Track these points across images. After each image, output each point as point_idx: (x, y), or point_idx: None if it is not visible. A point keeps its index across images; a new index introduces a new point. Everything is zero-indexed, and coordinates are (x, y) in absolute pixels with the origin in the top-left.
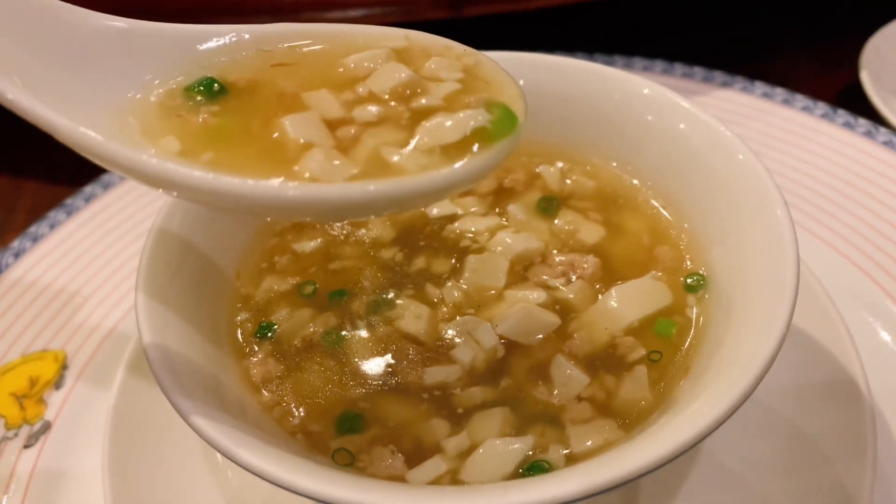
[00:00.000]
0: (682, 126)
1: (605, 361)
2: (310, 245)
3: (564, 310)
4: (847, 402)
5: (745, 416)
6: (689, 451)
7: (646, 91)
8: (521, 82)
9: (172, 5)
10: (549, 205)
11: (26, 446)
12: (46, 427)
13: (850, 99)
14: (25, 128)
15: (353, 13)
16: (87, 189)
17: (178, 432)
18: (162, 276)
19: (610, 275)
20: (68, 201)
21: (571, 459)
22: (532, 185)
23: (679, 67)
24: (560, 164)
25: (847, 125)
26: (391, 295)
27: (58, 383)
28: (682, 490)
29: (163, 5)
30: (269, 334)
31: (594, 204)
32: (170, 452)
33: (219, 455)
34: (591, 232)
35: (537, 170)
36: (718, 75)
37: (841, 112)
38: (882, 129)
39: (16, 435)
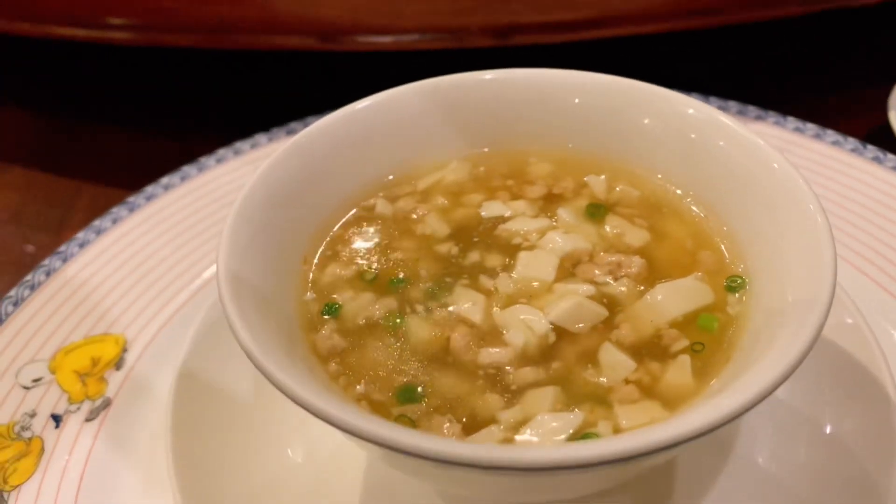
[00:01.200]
0: (721, 143)
1: (650, 350)
2: (371, 237)
3: (611, 303)
4: (877, 407)
5: (779, 419)
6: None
7: (690, 111)
8: (576, 101)
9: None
10: (597, 210)
11: (88, 420)
12: (107, 403)
13: (880, 139)
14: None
15: (404, 38)
16: (149, 189)
17: (240, 408)
18: (240, 248)
19: (655, 275)
20: (130, 199)
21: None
22: (580, 193)
23: (714, 101)
24: (603, 177)
25: (876, 159)
26: (448, 283)
27: (118, 364)
28: (715, 487)
29: (204, 19)
30: (335, 313)
31: (639, 211)
32: (231, 425)
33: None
34: (636, 236)
35: (585, 179)
36: (752, 109)
37: (871, 147)
38: None
39: (78, 409)
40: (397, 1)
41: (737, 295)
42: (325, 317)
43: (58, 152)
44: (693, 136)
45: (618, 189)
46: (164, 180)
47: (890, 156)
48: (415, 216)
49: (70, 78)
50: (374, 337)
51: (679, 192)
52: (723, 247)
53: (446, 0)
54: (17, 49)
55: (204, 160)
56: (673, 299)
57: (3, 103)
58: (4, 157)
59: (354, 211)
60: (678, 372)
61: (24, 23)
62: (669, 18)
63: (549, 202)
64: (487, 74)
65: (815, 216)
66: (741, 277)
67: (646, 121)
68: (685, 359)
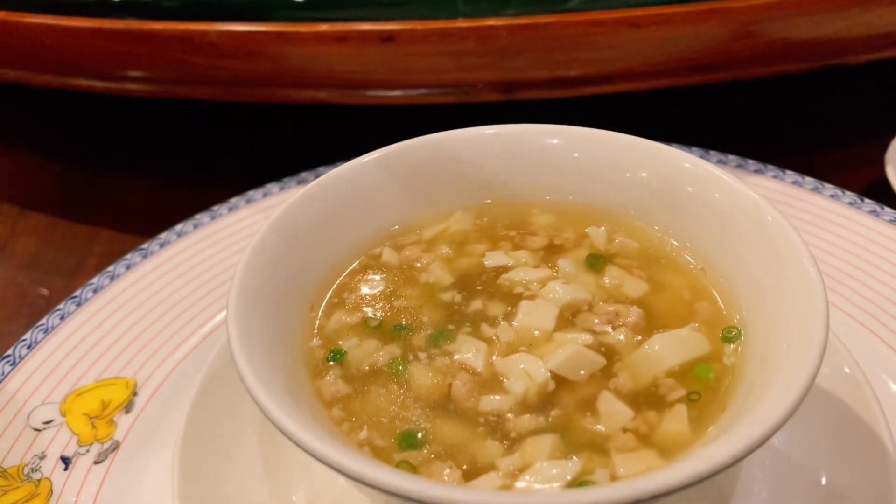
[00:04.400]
0: (717, 196)
1: (647, 399)
2: (376, 285)
3: (609, 352)
4: (872, 457)
5: (776, 468)
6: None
7: (686, 165)
8: (576, 154)
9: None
10: (597, 261)
11: (96, 462)
12: (115, 446)
13: (877, 193)
14: (96, 177)
15: (413, 93)
16: (162, 236)
17: (247, 452)
18: (249, 294)
19: (652, 325)
20: (144, 245)
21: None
22: (580, 244)
23: (714, 154)
24: (603, 228)
25: (874, 213)
26: (450, 330)
27: (127, 408)
28: None
29: (220, 73)
30: (340, 359)
31: (638, 262)
32: (238, 469)
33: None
34: (635, 287)
35: (586, 230)
36: (751, 163)
37: (868, 201)
38: None
39: (87, 451)
40: (407, 58)
41: (732, 345)
42: (331, 363)
43: (76, 199)
44: (689, 189)
45: (617, 241)
46: (178, 227)
47: (887, 209)
48: (419, 265)
49: (89, 126)
50: (378, 383)
51: (676, 243)
52: (719, 298)
53: (454, 57)
54: (38, 98)
55: (217, 208)
56: (670, 349)
57: (25, 151)
58: (25, 204)
59: (361, 259)
60: (674, 421)
61: (45, 74)
62: (670, 75)
63: (551, 252)
64: (490, 130)
65: (808, 269)
66: (737, 328)
67: (643, 174)
68: (682, 408)
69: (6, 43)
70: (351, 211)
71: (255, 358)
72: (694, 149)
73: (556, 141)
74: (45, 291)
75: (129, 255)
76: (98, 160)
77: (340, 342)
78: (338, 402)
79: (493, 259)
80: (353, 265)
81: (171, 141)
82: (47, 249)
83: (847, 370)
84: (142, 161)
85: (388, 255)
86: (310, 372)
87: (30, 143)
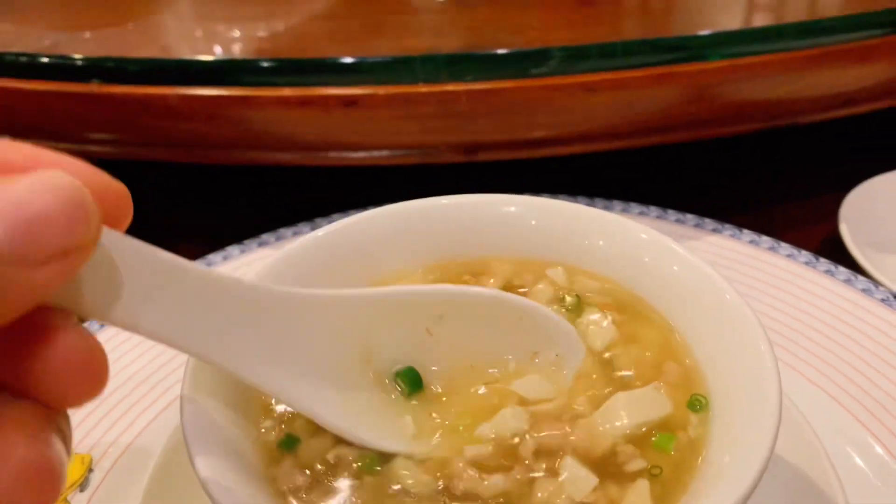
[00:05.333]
0: (675, 268)
1: (607, 468)
2: None
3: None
4: None
5: None
6: None
7: (643, 236)
8: (533, 222)
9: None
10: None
11: None
12: None
13: (831, 249)
14: None
15: (376, 154)
16: None
17: None
18: (204, 372)
19: (615, 382)
20: None
21: None
22: (540, 283)
23: (672, 214)
24: (561, 269)
25: (829, 272)
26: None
27: (82, 485)
28: None
29: (183, 136)
30: (293, 446)
31: (602, 301)
32: None
33: None
34: (602, 334)
35: (546, 272)
36: (709, 223)
37: (823, 261)
38: (860, 278)
39: None
40: (369, 121)
41: (698, 415)
42: (283, 449)
43: None
44: (647, 259)
45: (577, 282)
46: None
47: (841, 268)
48: None
49: None
50: (334, 473)
51: (640, 294)
52: (685, 360)
53: (415, 120)
54: None
55: None
56: (631, 409)
57: None
58: None
59: None
60: (637, 498)
61: (5, 135)
62: (627, 137)
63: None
64: (446, 200)
65: (765, 355)
66: (704, 397)
67: (600, 243)
68: (644, 484)
69: None
70: (309, 283)
71: (208, 442)
72: (652, 207)
73: (513, 209)
74: None
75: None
76: None
77: (295, 427)
78: (296, 493)
79: None
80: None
81: (135, 199)
82: None
83: (803, 438)
84: None
85: None
86: (265, 459)
87: None
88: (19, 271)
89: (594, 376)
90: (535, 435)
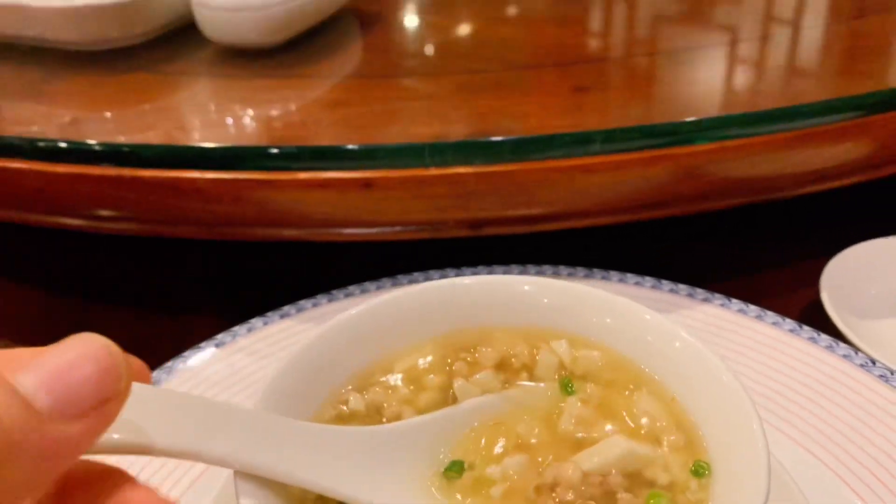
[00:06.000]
0: (677, 344)
1: None
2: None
3: None
4: None
5: None
6: None
7: (647, 317)
8: (545, 300)
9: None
10: (567, 385)
11: None
12: None
13: (814, 314)
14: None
15: (387, 230)
16: (153, 374)
17: None
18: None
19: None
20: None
21: None
22: (546, 362)
23: (666, 284)
24: (564, 341)
25: (812, 339)
26: None
27: None
28: None
29: (206, 215)
30: None
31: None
32: None
33: None
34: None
35: (550, 344)
36: (700, 292)
37: (806, 328)
38: (841, 344)
39: None
40: (383, 201)
41: (699, 480)
42: None
43: (60, 333)
44: (650, 338)
45: (581, 354)
46: (169, 364)
47: (823, 336)
48: (386, 405)
49: (70, 258)
50: None
51: (643, 367)
52: (688, 430)
53: (426, 200)
54: (24, 234)
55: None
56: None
57: (9, 284)
58: (11, 337)
59: (329, 410)
60: None
61: (30, 213)
62: (622, 213)
63: (513, 374)
64: (460, 281)
65: (757, 439)
66: (707, 464)
67: (608, 320)
68: None
69: None
70: (334, 367)
71: None
72: (647, 278)
73: (526, 288)
74: None
75: None
76: (80, 292)
77: None
78: None
79: (461, 390)
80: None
81: (156, 269)
82: None
83: (794, 500)
84: (123, 292)
85: (355, 402)
86: None
87: (14, 277)
88: (61, 426)
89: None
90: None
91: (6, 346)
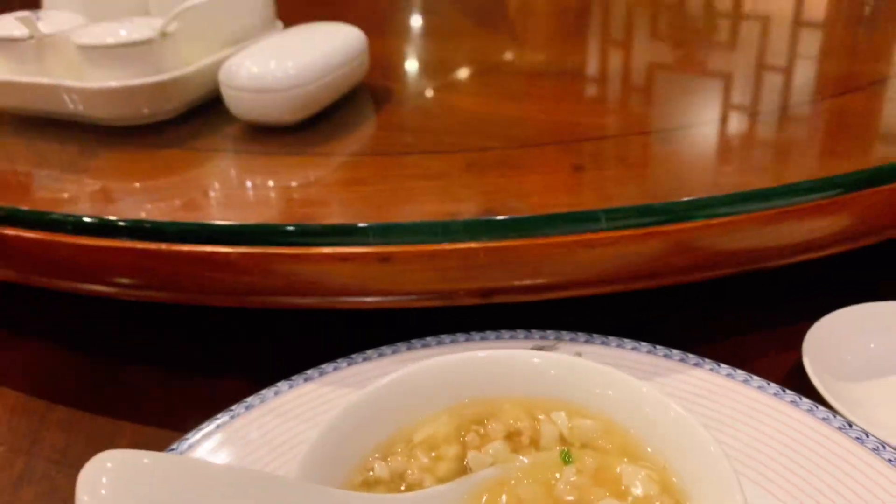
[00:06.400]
0: (670, 414)
1: None
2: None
3: None
4: None
5: None
6: None
7: (644, 390)
8: (552, 372)
9: (256, 287)
10: (568, 455)
11: None
12: None
13: (797, 376)
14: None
15: (403, 299)
16: (189, 437)
17: None
18: None
19: None
20: (174, 446)
21: None
22: (550, 434)
23: (661, 349)
24: (563, 413)
25: (794, 403)
26: None
27: None
28: None
29: (237, 287)
30: None
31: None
32: None
33: None
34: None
35: (552, 415)
36: (692, 357)
37: (789, 392)
38: (821, 408)
39: None
40: (400, 273)
41: None
42: None
43: (98, 393)
44: (647, 409)
45: (577, 424)
46: (205, 426)
47: (805, 400)
48: (409, 472)
49: (108, 320)
50: None
51: (637, 435)
52: (677, 495)
53: (440, 272)
54: (58, 300)
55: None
56: None
57: (49, 347)
58: (51, 398)
59: (358, 476)
60: None
61: (71, 282)
62: (618, 283)
63: (520, 443)
64: (481, 354)
65: (737, 499)
66: None
67: (609, 392)
68: None
69: (42, 257)
70: (351, 438)
71: None
72: (643, 343)
73: (536, 361)
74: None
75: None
76: (118, 353)
77: None
78: None
79: (474, 460)
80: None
81: (187, 332)
82: (76, 444)
83: None
84: (160, 352)
85: (380, 469)
86: None
87: (53, 340)
88: None
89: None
90: None
91: (48, 407)
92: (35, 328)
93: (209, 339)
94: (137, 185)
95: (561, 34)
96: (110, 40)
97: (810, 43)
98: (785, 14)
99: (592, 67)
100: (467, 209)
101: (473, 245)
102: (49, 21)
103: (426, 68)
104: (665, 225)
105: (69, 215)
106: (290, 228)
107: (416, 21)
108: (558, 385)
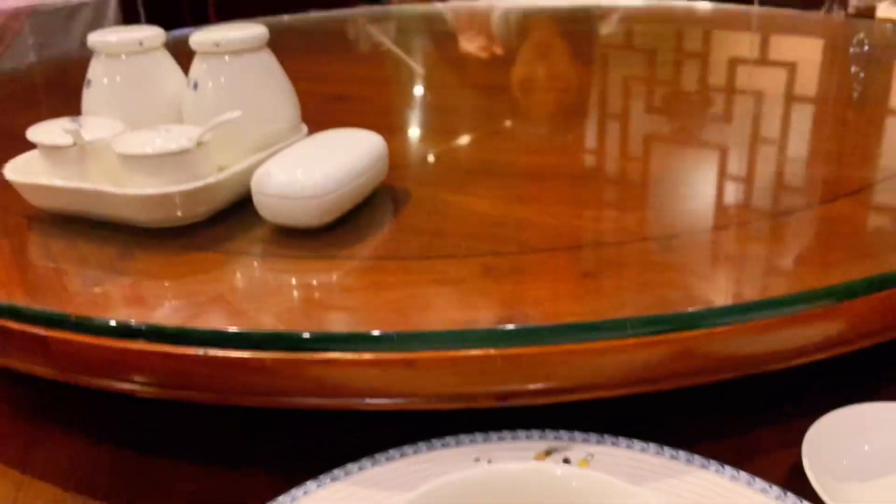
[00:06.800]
0: None
1: None
2: None
3: None
4: None
5: None
6: None
7: (653, 502)
8: (573, 484)
9: (287, 389)
10: None
11: None
12: None
13: (797, 475)
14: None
15: (423, 401)
16: None
17: None
18: None
19: None
20: None
21: None
22: None
23: (667, 450)
24: None
25: None
26: None
27: None
28: None
29: (270, 389)
30: None
31: None
32: None
33: None
34: None
35: None
36: (697, 458)
37: (790, 495)
38: None
39: None
40: (422, 378)
41: None
42: None
43: (125, 486)
44: None
45: None
46: None
47: (805, 502)
48: None
49: (134, 411)
50: None
51: None
52: None
53: (460, 376)
54: (89, 395)
55: None
56: None
57: (78, 438)
58: (78, 489)
59: None
60: None
61: (103, 380)
62: (625, 386)
63: None
64: (510, 467)
65: None
66: None
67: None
68: None
69: (85, 358)
70: None
71: None
72: (651, 444)
73: (559, 473)
74: None
75: None
76: (146, 444)
77: None
78: None
79: None
80: None
81: (214, 425)
82: None
83: None
84: (187, 446)
85: None
86: None
87: (82, 431)
88: None
89: None
90: None
91: (85, 502)
92: (60, 420)
93: (233, 440)
94: (173, 287)
95: (566, 130)
96: (149, 150)
97: (800, 147)
98: (804, 116)
99: (597, 171)
100: (485, 317)
101: (491, 352)
102: (90, 127)
103: (439, 168)
104: (670, 333)
105: (112, 321)
106: (323, 336)
107: (426, 118)
108: (579, 497)
